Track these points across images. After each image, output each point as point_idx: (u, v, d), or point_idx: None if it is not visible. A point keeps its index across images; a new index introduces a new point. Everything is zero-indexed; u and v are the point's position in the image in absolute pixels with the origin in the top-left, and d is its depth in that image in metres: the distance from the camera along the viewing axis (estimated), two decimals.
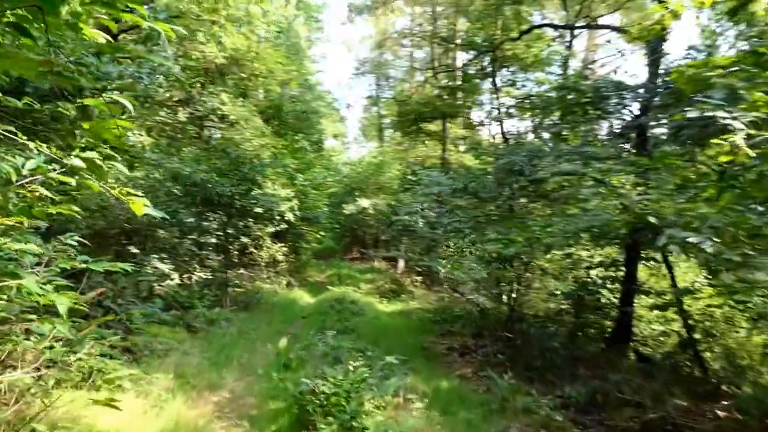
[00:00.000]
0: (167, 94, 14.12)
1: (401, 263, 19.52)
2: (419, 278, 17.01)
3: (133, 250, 9.82)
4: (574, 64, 19.01)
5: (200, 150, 13.41)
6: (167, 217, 1.93)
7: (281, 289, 15.02)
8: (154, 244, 10.59)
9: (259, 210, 11.23)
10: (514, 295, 9.33)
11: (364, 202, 21.25)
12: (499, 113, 16.44)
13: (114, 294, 6.13)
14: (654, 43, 8.72)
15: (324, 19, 45.42)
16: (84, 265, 3.45)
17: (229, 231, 12.44)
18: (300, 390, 4.36)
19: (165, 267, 9.95)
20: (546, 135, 10.36)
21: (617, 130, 8.67)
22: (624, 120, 8.55)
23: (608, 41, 13.41)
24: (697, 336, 7.71)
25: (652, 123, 8.13)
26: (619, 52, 13.90)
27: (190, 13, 14.48)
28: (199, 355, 5.80)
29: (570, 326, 9.21)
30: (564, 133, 9.07)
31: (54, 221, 6.58)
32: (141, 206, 1.88)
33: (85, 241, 3.50)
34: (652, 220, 3.96)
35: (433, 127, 20.93)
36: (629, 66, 28.80)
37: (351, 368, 4.56)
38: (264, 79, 17.91)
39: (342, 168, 29.95)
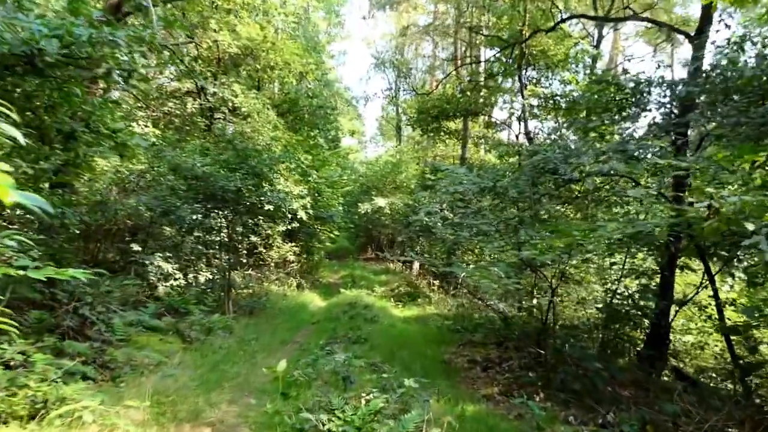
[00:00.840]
0: (175, 83, 13.53)
1: (416, 265, 18.70)
2: (436, 281, 16.16)
3: (136, 247, 9.18)
4: (600, 66, 18.06)
5: (208, 142, 12.75)
6: (50, 210, 1.31)
7: (291, 291, 14.27)
8: (156, 242, 9.94)
9: (269, 207, 10.48)
10: (535, 302, 8.51)
11: (381, 202, 20.52)
12: (523, 111, 15.60)
13: (93, 299, 5.39)
14: (706, 29, 7.90)
15: (344, 14, 44.81)
16: (22, 273, 2.72)
17: (236, 229, 11.72)
18: (301, 426, 3.57)
19: (168, 266, 9.29)
20: (572, 136, 9.55)
21: (658, 128, 7.83)
22: (666, 116, 7.74)
23: (661, 27, 12.36)
24: (739, 352, 6.84)
25: (702, 119, 7.33)
26: (667, 38, 12.85)
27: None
28: (188, 372, 5.02)
29: (600, 340, 8.40)
30: (599, 131, 8.31)
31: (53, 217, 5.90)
32: (6, 190, 1.10)
33: (29, 241, 2.78)
34: (749, 226, 3.10)
35: (454, 125, 20.09)
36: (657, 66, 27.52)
37: (363, 400, 3.75)
38: (279, 71, 17.23)
39: (358, 167, 29.25)
